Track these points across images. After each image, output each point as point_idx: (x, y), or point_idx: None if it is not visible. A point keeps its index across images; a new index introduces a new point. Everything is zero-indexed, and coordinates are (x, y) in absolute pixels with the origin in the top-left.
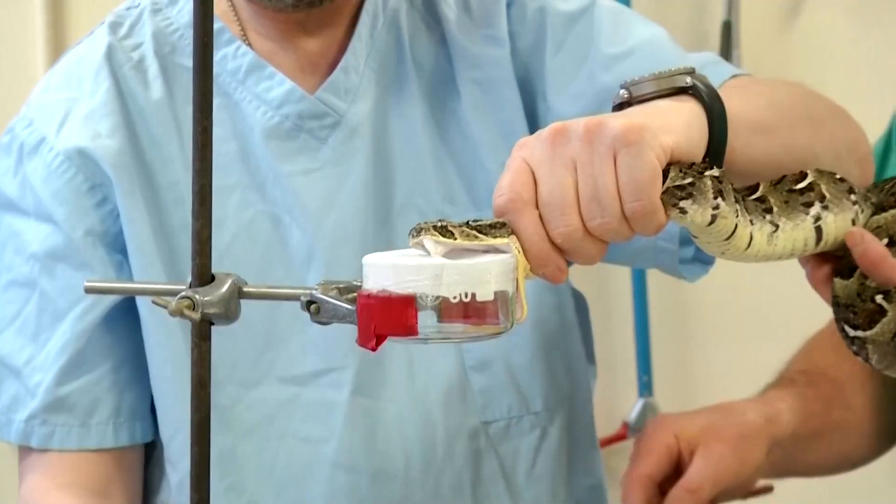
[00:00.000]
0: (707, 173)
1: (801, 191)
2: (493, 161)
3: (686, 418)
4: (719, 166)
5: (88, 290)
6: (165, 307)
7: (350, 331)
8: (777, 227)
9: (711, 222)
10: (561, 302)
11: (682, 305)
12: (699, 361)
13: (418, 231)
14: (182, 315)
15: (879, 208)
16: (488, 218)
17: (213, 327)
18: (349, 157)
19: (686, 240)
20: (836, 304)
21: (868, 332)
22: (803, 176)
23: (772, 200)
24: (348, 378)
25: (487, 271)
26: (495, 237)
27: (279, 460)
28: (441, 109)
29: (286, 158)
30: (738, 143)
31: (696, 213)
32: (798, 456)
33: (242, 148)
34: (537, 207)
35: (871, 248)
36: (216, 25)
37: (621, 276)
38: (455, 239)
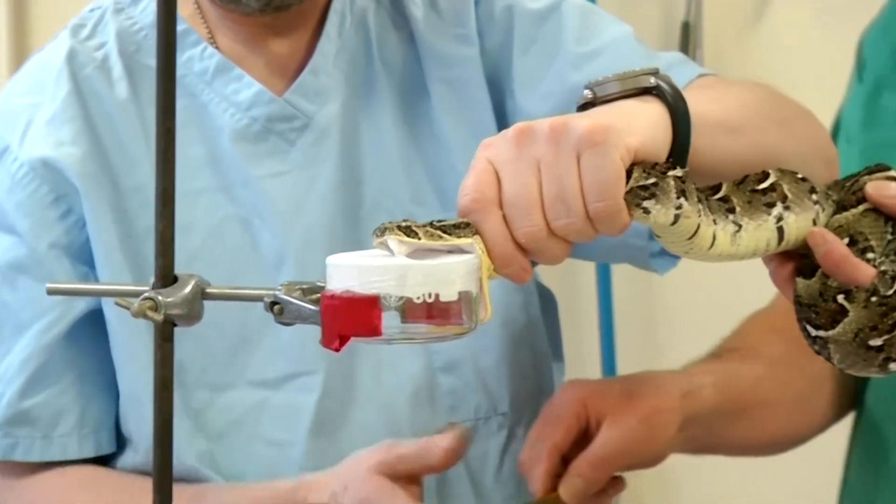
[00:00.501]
0: (670, 173)
1: (764, 191)
2: (462, 162)
3: (598, 385)
4: (683, 166)
5: (51, 292)
6: (128, 308)
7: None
8: (740, 227)
9: (674, 222)
10: (528, 301)
11: (647, 303)
12: (664, 359)
13: (382, 231)
14: (145, 316)
15: (840, 207)
16: (453, 218)
17: (186, 331)
18: (318, 159)
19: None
20: (797, 303)
21: (830, 332)
22: (766, 175)
23: (735, 200)
24: (317, 382)
25: (451, 272)
26: (459, 237)
27: (249, 464)
28: (411, 110)
29: (255, 161)
30: (703, 142)
31: (660, 213)
32: (721, 432)
33: (210, 151)
34: (502, 207)
35: (832, 248)
36: (181, 27)
37: (587, 275)
38: (419, 239)
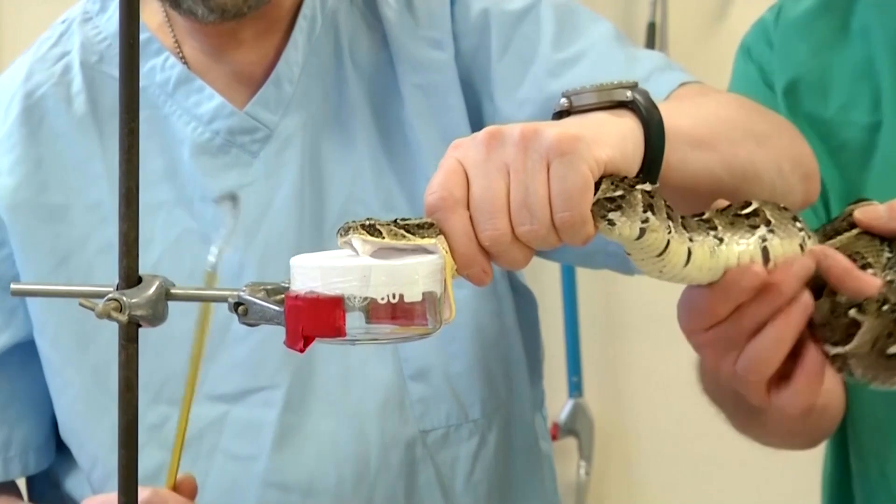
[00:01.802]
0: (638, 187)
1: (747, 215)
2: (433, 168)
3: None
4: (653, 181)
5: (14, 293)
6: (92, 309)
7: (280, 349)
8: (721, 240)
9: (640, 236)
10: (500, 307)
11: (611, 307)
12: (629, 362)
13: (346, 230)
14: (109, 317)
15: (833, 233)
16: (416, 217)
17: (144, 347)
18: (281, 169)
19: None
20: (810, 325)
21: (847, 347)
22: (748, 203)
23: (717, 221)
24: (279, 397)
25: (415, 272)
26: (423, 238)
27: (209, 478)
28: (383, 115)
29: (216, 174)
30: (675, 157)
31: (625, 225)
32: None
33: (170, 164)
34: (468, 208)
35: (836, 262)
36: (144, 35)
37: (551, 279)
38: (383, 238)
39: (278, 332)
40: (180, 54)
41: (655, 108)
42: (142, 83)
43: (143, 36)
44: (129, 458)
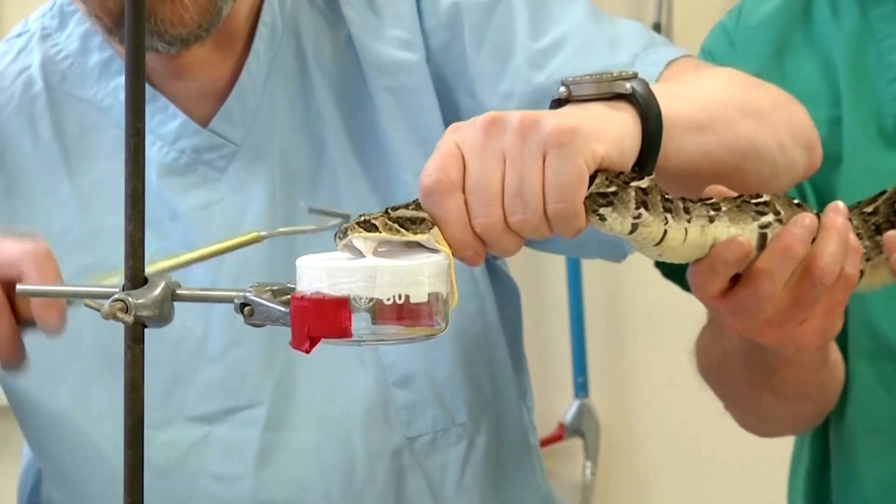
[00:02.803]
0: (633, 184)
1: (757, 203)
2: (409, 171)
3: None
4: (650, 172)
5: (20, 294)
6: (98, 310)
7: (259, 365)
8: (712, 221)
9: (632, 231)
10: (482, 308)
11: (617, 308)
12: (634, 362)
13: (344, 232)
14: (115, 318)
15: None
16: (405, 203)
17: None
18: (250, 183)
19: None
20: None
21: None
22: (759, 195)
23: (722, 204)
24: (261, 414)
25: (421, 273)
26: (415, 233)
27: (194, 501)
28: (353, 119)
29: (184, 194)
30: (672, 145)
31: (616, 221)
32: None
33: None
34: (463, 192)
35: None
36: (106, 54)
37: (557, 280)
38: (379, 232)
39: (255, 350)
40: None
41: (655, 100)
42: (107, 102)
43: (105, 54)
44: (134, 459)
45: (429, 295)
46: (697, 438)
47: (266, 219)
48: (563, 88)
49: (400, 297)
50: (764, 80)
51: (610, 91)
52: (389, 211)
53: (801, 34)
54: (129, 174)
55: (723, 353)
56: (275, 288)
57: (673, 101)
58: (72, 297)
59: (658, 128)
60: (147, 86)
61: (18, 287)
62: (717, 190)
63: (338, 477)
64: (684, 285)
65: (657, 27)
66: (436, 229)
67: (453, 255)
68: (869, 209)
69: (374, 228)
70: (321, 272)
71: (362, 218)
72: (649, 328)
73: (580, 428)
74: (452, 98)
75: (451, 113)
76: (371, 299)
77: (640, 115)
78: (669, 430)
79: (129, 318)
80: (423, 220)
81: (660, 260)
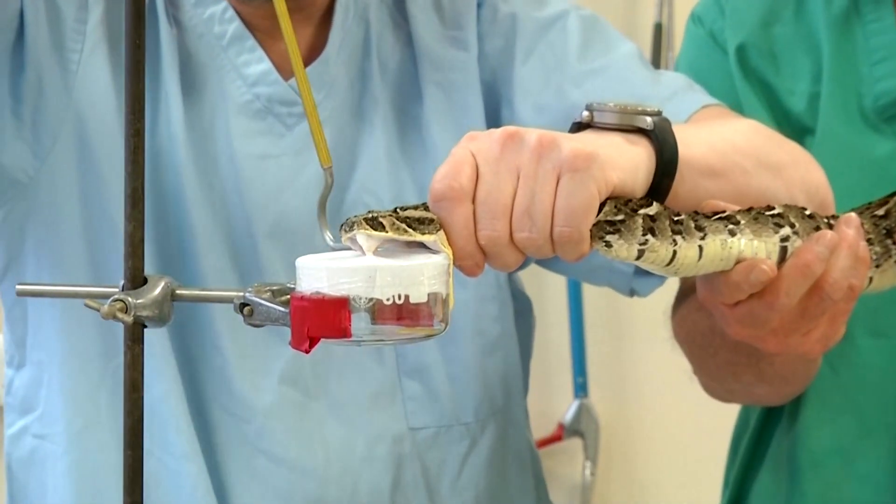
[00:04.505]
0: (641, 211)
1: (773, 216)
2: None
3: None
4: (660, 203)
5: (20, 293)
6: (98, 310)
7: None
8: (734, 235)
9: (639, 256)
10: (502, 312)
11: (617, 308)
12: (634, 362)
13: (350, 226)
14: (115, 318)
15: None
16: (414, 204)
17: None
18: (311, 148)
19: None
20: None
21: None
22: (771, 206)
23: (739, 217)
24: (278, 367)
25: (421, 273)
26: (423, 234)
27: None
28: (402, 112)
29: (247, 139)
30: (684, 187)
31: (622, 248)
32: None
33: (206, 120)
34: (473, 202)
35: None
36: None
37: (557, 280)
38: (386, 231)
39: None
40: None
41: (674, 139)
42: (199, 30)
43: None
44: (134, 459)
45: (428, 295)
46: (697, 438)
47: (314, 187)
48: (586, 112)
49: (400, 298)
50: (749, 50)
51: (631, 124)
52: (398, 210)
53: (790, 9)
54: (128, 174)
55: (710, 329)
56: (274, 288)
57: (692, 142)
58: (72, 297)
59: (672, 168)
60: (240, 24)
61: (18, 287)
62: (712, 204)
63: (337, 450)
64: None
65: (658, 27)
66: (442, 232)
67: (453, 263)
68: (880, 212)
69: (381, 227)
70: (321, 272)
71: (370, 214)
72: (649, 328)
73: (580, 428)
74: (495, 105)
75: (492, 119)
76: (371, 299)
77: (656, 152)
78: (669, 430)
79: (129, 319)
80: (431, 220)
81: (676, 277)
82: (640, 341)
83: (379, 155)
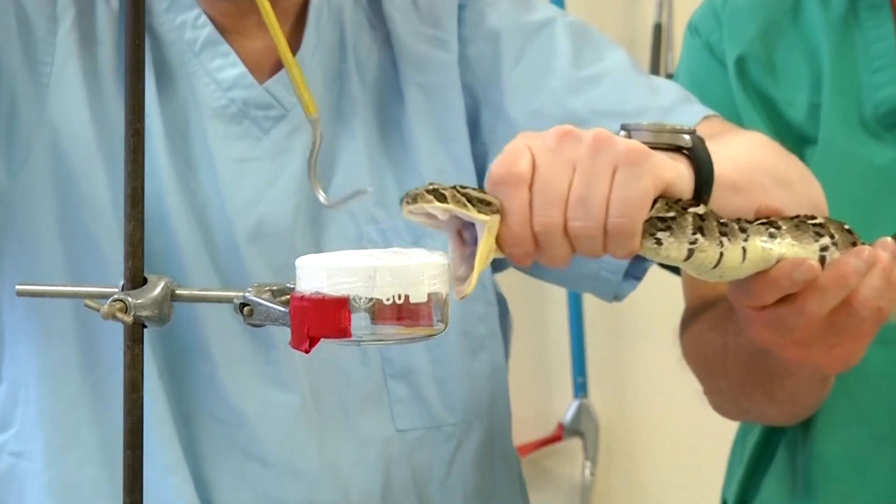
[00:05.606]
0: (691, 210)
1: (814, 225)
2: (429, 168)
3: None
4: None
5: (20, 293)
6: (97, 310)
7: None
8: (775, 238)
9: (688, 256)
10: (488, 312)
11: (616, 308)
12: (634, 362)
13: (413, 198)
14: (114, 318)
15: None
16: (477, 189)
17: None
18: (289, 151)
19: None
20: None
21: None
22: (814, 216)
23: (781, 223)
24: (268, 372)
25: (420, 273)
26: (479, 212)
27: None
28: (382, 114)
29: (224, 143)
30: (713, 204)
31: (672, 246)
32: None
33: (181, 124)
34: (530, 189)
35: None
36: None
37: None
38: (447, 203)
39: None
40: (209, 13)
41: (710, 158)
42: (170, 37)
43: None
44: (134, 458)
45: (428, 295)
46: (697, 438)
47: (294, 191)
48: (622, 132)
49: (399, 297)
50: (748, 62)
51: (670, 143)
52: (458, 187)
53: (788, 18)
54: (128, 174)
55: (723, 348)
56: (274, 288)
57: (719, 160)
58: (71, 297)
59: (709, 184)
60: (213, 30)
61: (18, 287)
62: (766, 208)
63: (329, 454)
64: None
65: (657, 28)
66: (496, 217)
67: (506, 250)
68: None
69: (443, 198)
70: (321, 272)
71: (431, 186)
72: (649, 328)
73: (579, 428)
74: (474, 108)
75: (470, 123)
76: (371, 299)
77: (695, 169)
78: (669, 430)
79: (129, 319)
80: (489, 203)
81: (720, 281)
82: (640, 341)
83: (360, 157)
